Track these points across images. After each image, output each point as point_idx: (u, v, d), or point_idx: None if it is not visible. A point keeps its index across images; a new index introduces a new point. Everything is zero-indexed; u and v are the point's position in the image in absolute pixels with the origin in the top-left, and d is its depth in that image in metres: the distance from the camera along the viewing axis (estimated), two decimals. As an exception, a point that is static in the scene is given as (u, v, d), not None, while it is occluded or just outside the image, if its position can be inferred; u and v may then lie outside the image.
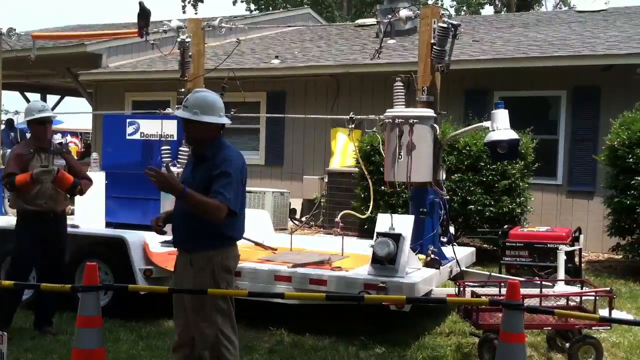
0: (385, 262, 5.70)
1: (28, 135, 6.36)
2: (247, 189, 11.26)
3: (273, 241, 7.54)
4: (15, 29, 9.31)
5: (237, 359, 4.22)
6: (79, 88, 16.42)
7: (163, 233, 4.30)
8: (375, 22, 12.73)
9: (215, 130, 4.16)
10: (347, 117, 7.53)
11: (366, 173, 7.99)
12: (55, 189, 5.85)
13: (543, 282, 6.09)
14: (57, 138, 8.57)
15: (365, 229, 9.45)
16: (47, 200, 5.85)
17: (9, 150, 7.70)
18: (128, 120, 8.14)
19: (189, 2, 35.24)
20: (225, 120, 4.20)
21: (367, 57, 12.96)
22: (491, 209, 9.32)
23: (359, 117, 7.70)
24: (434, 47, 6.71)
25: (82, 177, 6.05)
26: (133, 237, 6.45)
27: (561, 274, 6.61)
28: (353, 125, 7.51)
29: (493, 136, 6.41)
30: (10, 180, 5.72)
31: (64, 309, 6.19)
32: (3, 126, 9.94)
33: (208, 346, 4.11)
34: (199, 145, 4.20)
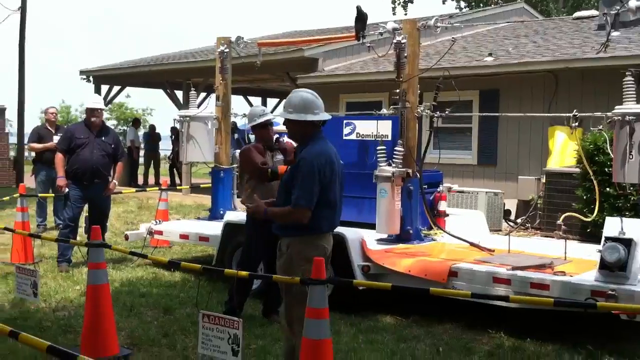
0: (614, 268, 5.35)
1: (252, 137, 6.89)
2: (460, 188, 11.17)
3: (488, 242, 7.38)
4: (242, 37, 9.63)
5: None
6: (297, 91, 17.31)
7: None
8: (599, 14, 11.94)
9: (308, 126, 4.42)
10: (571, 114, 7.11)
11: (591, 174, 7.54)
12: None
13: None
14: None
15: (588, 233, 8.91)
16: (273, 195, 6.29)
17: (237, 151, 8.28)
18: (345, 121, 8.35)
19: (398, 4, 35.64)
20: (319, 118, 4.43)
21: (587, 51, 12.23)
22: None
23: (584, 114, 7.25)
24: (671, 37, 6.16)
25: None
26: (351, 234, 6.64)
27: None
28: (577, 124, 7.10)
29: None
30: (274, 169, 6.17)
31: (289, 300, 6.55)
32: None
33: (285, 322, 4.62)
34: (297, 141, 4.55)
